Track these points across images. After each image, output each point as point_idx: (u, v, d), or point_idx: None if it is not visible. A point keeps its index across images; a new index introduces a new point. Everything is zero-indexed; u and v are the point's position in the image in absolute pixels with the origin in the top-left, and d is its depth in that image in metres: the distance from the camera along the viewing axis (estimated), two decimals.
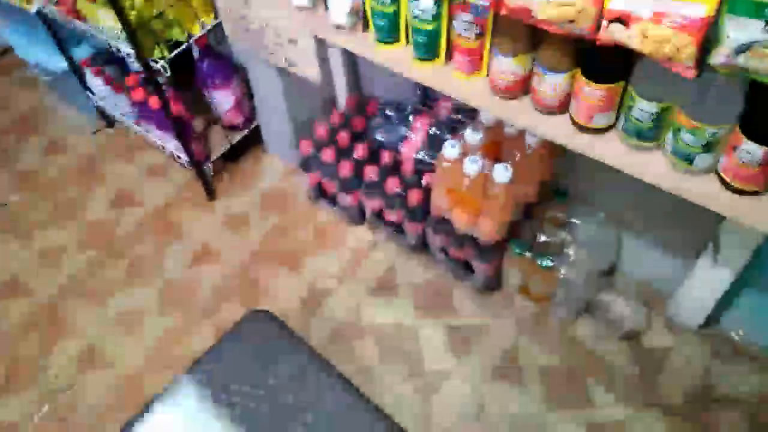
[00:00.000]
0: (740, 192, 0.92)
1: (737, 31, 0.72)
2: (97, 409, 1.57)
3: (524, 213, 1.57)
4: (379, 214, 1.75)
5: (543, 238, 1.47)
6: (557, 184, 1.56)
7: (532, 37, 1.00)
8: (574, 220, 1.50)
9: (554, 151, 1.39)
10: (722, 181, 0.94)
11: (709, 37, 0.76)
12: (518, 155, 1.37)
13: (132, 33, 1.44)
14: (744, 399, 1.42)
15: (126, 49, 1.53)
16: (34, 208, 2.07)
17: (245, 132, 2.02)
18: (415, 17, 1.09)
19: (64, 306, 1.79)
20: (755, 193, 0.92)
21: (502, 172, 1.28)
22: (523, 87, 1.06)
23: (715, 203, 0.95)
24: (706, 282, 1.38)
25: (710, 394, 1.44)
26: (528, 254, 1.44)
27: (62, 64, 2.01)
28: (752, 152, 0.86)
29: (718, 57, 0.76)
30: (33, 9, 1.46)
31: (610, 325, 1.52)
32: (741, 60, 0.74)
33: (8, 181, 2.16)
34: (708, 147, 0.90)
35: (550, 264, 1.41)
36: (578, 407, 1.44)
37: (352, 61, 1.78)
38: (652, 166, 0.99)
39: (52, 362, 1.67)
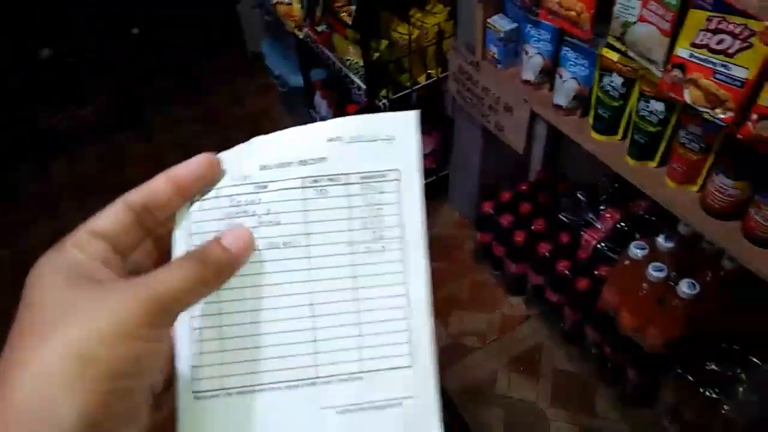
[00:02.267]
0: None
1: None
2: None
3: (699, 333, 1.48)
4: (539, 291, 1.75)
5: (713, 367, 1.38)
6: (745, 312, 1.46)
7: (760, 164, 0.97)
8: (753, 358, 1.38)
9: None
10: None
11: None
12: (709, 275, 1.31)
13: (370, 71, 1.62)
14: None
15: (360, 83, 1.71)
16: None
17: (433, 178, 2.13)
18: (641, 117, 1.11)
19: None
20: None
21: (687, 288, 1.24)
22: (737, 210, 1.04)
23: None
24: None
25: None
26: (692, 378, 1.35)
27: (299, 80, 2.29)
28: None
29: None
30: (301, 35, 1.70)
31: None
32: None
33: None
34: None
35: (715, 396, 1.31)
36: None
37: (555, 139, 1.82)
38: None
39: None
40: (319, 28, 1.62)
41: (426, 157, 2.08)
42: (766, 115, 0.84)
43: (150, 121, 2.75)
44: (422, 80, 1.79)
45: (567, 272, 1.59)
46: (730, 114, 0.89)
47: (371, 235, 0.35)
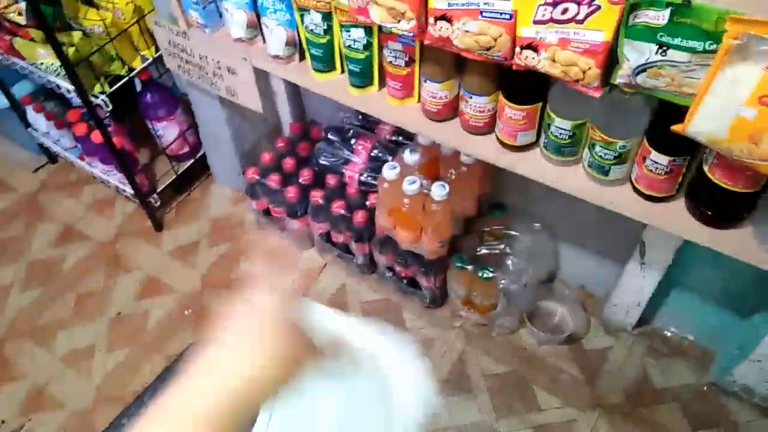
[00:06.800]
0: (651, 198, 1.01)
1: (634, 53, 0.80)
2: None
3: (464, 228, 1.63)
4: (327, 237, 1.78)
5: (483, 251, 1.54)
6: (494, 199, 1.63)
7: (457, 63, 1.07)
8: (512, 232, 1.57)
9: (489, 167, 1.46)
10: (635, 189, 1.02)
11: (614, 58, 0.84)
12: (454, 173, 1.43)
13: (71, 69, 1.45)
14: (680, 392, 1.51)
15: (66, 85, 1.54)
16: None
17: (191, 161, 2.03)
18: (348, 47, 1.15)
19: (11, 347, 1.75)
20: (664, 199, 1.00)
21: (439, 190, 1.34)
22: (451, 110, 1.13)
23: (630, 210, 1.03)
24: (636, 284, 1.47)
25: (648, 389, 1.52)
26: (469, 267, 1.50)
27: (2, 102, 1.99)
28: (658, 161, 0.94)
29: (620, 77, 0.85)
30: None
31: (552, 331, 1.59)
32: (640, 79, 0.82)
33: None
34: (620, 159, 0.99)
35: (491, 275, 1.47)
36: (525, 413, 1.50)
37: (294, 88, 1.83)
38: (573, 179, 1.06)
39: None
40: None
41: (176, 141, 1.96)
42: (441, 17, 0.91)
43: None
44: (138, 64, 1.66)
45: (343, 211, 1.63)
46: (413, 23, 0.95)
47: None
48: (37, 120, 2.00)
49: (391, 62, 1.12)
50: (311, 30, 1.17)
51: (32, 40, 1.50)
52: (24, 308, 1.84)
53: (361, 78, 1.20)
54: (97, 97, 1.56)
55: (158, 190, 1.96)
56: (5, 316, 1.83)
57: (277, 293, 0.52)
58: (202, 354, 0.48)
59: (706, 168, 0.91)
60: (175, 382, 0.45)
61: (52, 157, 2.23)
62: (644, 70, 0.81)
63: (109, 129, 1.74)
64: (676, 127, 0.80)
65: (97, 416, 1.59)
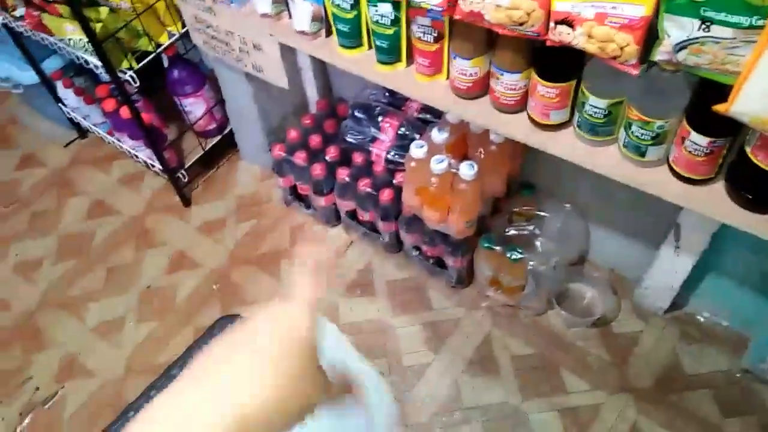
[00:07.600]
0: (689, 181, 0.97)
1: (675, 29, 0.76)
2: (79, 418, 1.58)
3: (493, 208, 1.61)
4: (353, 215, 1.77)
5: (512, 232, 1.51)
6: (524, 179, 1.60)
7: (488, 39, 1.03)
8: (541, 212, 1.54)
9: (518, 146, 1.42)
10: (673, 171, 0.98)
11: (653, 34, 0.80)
12: (483, 152, 1.40)
13: (98, 45, 1.45)
14: (712, 379, 1.47)
15: (93, 61, 1.54)
16: (8, 221, 2.06)
17: (218, 138, 2.03)
18: (375, 22, 1.12)
19: (43, 318, 1.80)
20: (703, 182, 0.96)
21: (467, 170, 1.32)
22: (482, 87, 1.10)
23: (667, 193, 0.99)
24: (669, 267, 1.43)
25: (679, 375, 1.49)
26: (497, 248, 1.47)
27: (33, 77, 2.01)
28: (698, 143, 0.90)
29: (660, 54, 0.80)
30: None
31: (581, 313, 1.56)
32: (681, 56, 0.78)
33: None
34: (657, 139, 0.95)
35: (519, 256, 1.44)
36: (552, 395, 1.48)
37: (321, 65, 1.81)
38: (607, 160, 1.03)
39: (33, 375, 1.68)
40: (17, 13, 1.41)
41: (204, 118, 1.96)
42: None
43: None
44: (164, 40, 1.65)
45: (369, 190, 1.62)
46: None
47: None
48: (67, 95, 2.02)
49: (419, 38, 1.09)
50: (338, 5, 1.15)
51: (60, 15, 1.50)
52: (56, 280, 1.88)
53: (389, 54, 1.17)
54: (124, 72, 1.56)
55: (186, 165, 1.96)
56: (38, 288, 1.87)
57: (305, 305, 0.45)
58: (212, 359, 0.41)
59: (748, 150, 0.87)
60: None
61: (83, 132, 2.25)
62: (686, 47, 0.77)
63: (138, 105, 1.74)
64: (718, 107, 0.76)
65: (128, 386, 1.62)
